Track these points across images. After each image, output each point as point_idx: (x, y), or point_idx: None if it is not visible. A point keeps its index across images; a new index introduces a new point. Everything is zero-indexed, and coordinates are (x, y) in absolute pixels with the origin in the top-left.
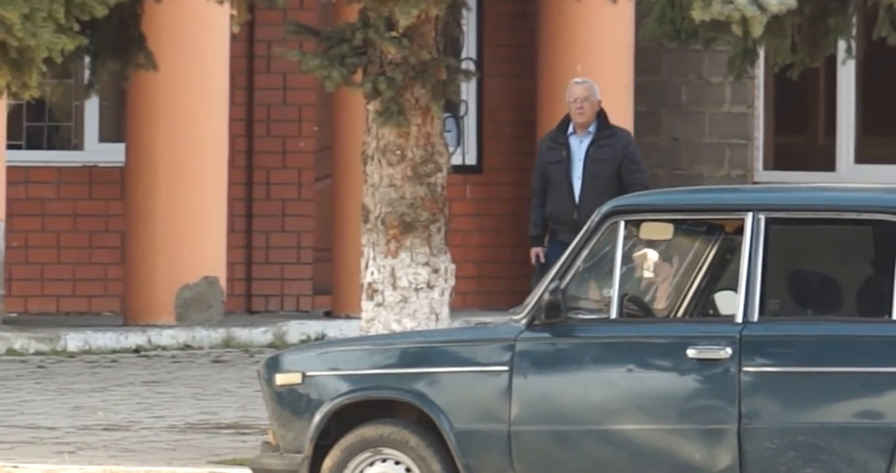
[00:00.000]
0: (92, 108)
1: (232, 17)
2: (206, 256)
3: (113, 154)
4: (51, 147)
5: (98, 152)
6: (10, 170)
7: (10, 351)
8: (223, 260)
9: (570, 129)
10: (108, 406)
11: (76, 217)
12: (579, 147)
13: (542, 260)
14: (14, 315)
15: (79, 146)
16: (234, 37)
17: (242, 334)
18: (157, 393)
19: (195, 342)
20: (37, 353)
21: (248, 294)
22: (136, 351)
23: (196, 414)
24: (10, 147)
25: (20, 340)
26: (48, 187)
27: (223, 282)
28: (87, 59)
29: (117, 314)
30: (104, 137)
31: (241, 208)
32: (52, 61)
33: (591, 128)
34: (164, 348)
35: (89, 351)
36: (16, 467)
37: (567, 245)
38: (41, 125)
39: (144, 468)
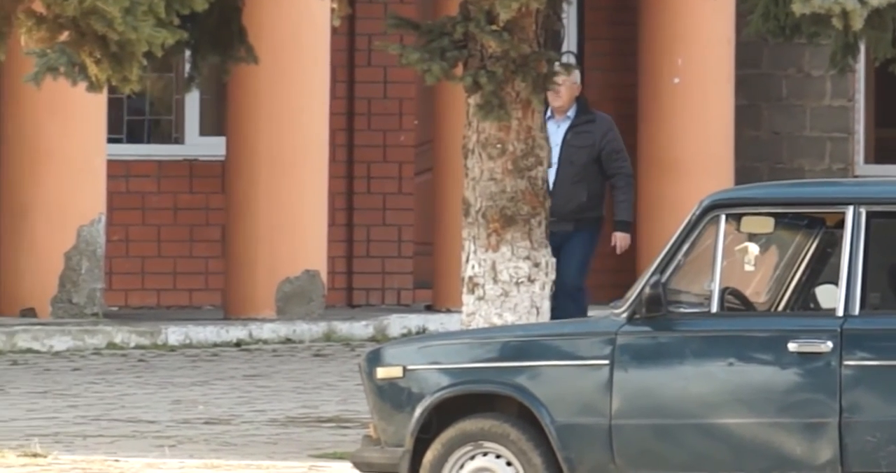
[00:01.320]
0: (192, 102)
1: (333, 10)
2: (307, 250)
3: (213, 147)
4: (152, 141)
5: (199, 146)
6: (111, 163)
7: (111, 345)
8: (324, 254)
9: (549, 113)
10: (209, 400)
11: (177, 210)
12: (556, 132)
13: None
14: (115, 308)
15: (179, 140)
16: (334, 30)
17: (343, 328)
18: (257, 386)
19: (296, 336)
20: (137, 347)
21: (349, 287)
22: (237, 344)
23: (297, 408)
24: (110, 141)
25: (121, 334)
26: (149, 181)
27: (324, 276)
28: (187, 53)
29: (218, 308)
30: (205, 131)
31: (341, 202)
32: (152, 55)
33: (570, 114)
34: (265, 342)
35: (190, 345)
36: (117, 461)
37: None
38: (142, 119)
39: (245, 461)
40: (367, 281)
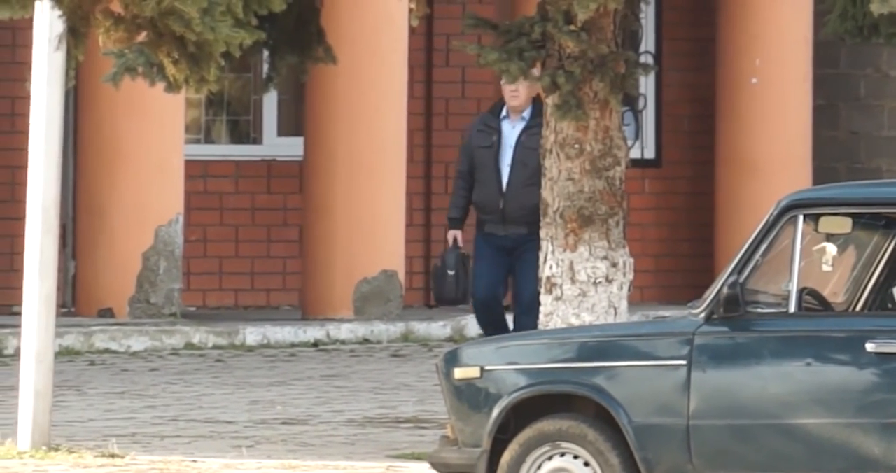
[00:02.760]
0: (270, 102)
1: (411, 10)
2: (385, 250)
3: (291, 148)
4: (229, 141)
5: (277, 146)
6: (189, 164)
7: (189, 345)
8: (402, 254)
9: (504, 113)
10: (287, 401)
11: (255, 211)
12: (511, 132)
13: (461, 243)
14: (193, 309)
15: (257, 140)
16: (413, 30)
17: (421, 328)
18: (335, 387)
19: (374, 336)
20: (215, 347)
21: (426, 288)
22: (315, 345)
23: (375, 408)
24: (188, 141)
25: (199, 334)
26: (227, 181)
27: (402, 276)
28: (265, 53)
29: (296, 308)
30: (283, 131)
31: (419, 202)
32: (230, 55)
33: (526, 114)
34: (343, 342)
35: (268, 346)
36: (194, 461)
37: (495, 236)
38: (220, 119)
39: (322, 462)
40: None
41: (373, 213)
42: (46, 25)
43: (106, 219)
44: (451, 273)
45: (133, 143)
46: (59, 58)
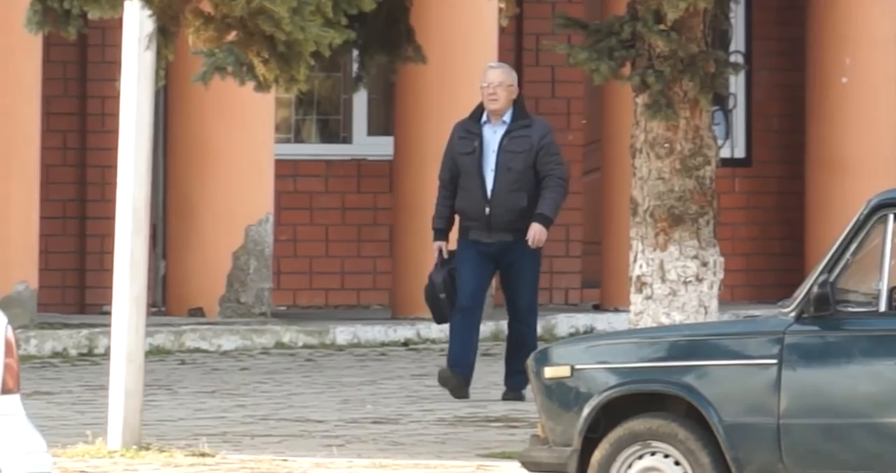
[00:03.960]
0: (360, 102)
1: (501, 10)
2: None
3: (381, 147)
4: (319, 140)
5: (366, 145)
6: (279, 163)
7: (279, 345)
8: None
9: (484, 118)
10: (377, 400)
11: (345, 210)
12: (493, 137)
13: (445, 255)
14: (283, 308)
15: (347, 139)
16: (502, 30)
17: None
18: (425, 386)
19: None
20: (305, 346)
21: None
22: (405, 344)
23: (465, 407)
24: (278, 141)
25: (289, 333)
26: (317, 181)
27: None
28: (355, 53)
29: (386, 307)
30: (373, 131)
31: None
32: (320, 55)
33: (506, 118)
34: (433, 341)
35: (358, 345)
36: (285, 460)
37: (480, 244)
38: (310, 119)
39: (413, 461)
40: None
41: None
42: (136, 25)
43: (196, 218)
44: (442, 297)
45: (223, 143)
46: (149, 57)
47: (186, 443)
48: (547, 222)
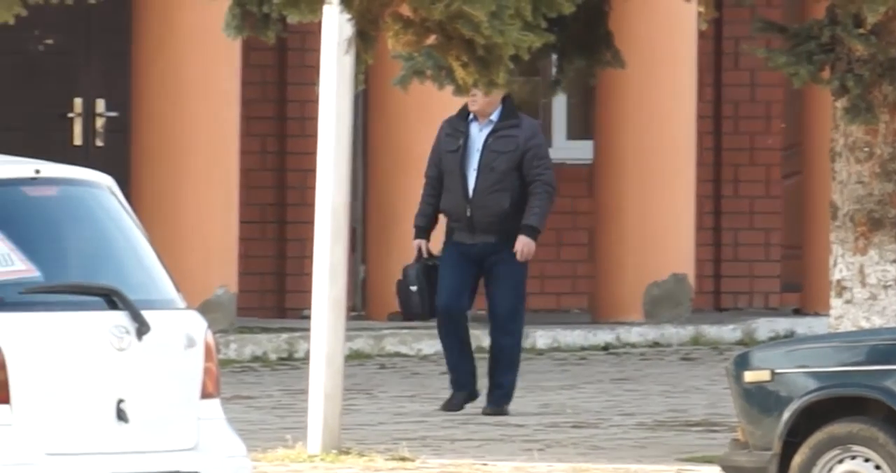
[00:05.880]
0: (559, 106)
1: (700, 14)
2: (675, 253)
3: (581, 151)
4: None
5: (566, 149)
6: None
7: (480, 349)
8: (692, 258)
9: (472, 115)
10: (577, 404)
11: None
12: (478, 135)
13: (426, 253)
14: (482, 312)
15: (547, 143)
16: (701, 34)
17: (711, 331)
18: (625, 390)
19: (664, 339)
20: None
21: (716, 291)
22: (605, 348)
23: (665, 412)
24: None
25: (487, 338)
26: None
27: (691, 280)
28: (553, 57)
29: (585, 311)
30: (572, 135)
31: (708, 205)
32: (519, 58)
33: (494, 117)
34: (633, 345)
35: (558, 349)
36: (485, 465)
37: (463, 245)
38: None
39: (613, 465)
40: (734, 285)
41: (663, 217)
42: (335, 29)
43: (396, 223)
44: (413, 289)
45: (424, 147)
46: (348, 61)
47: (386, 447)
48: (534, 234)
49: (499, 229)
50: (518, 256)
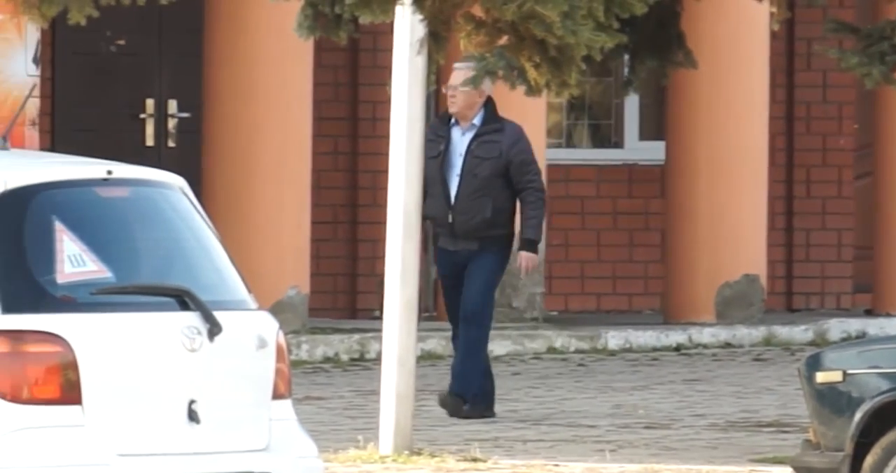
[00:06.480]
0: (632, 106)
1: (772, 14)
2: (747, 254)
3: (653, 152)
4: (591, 145)
5: (638, 150)
6: (551, 168)
7: (551, 350)
8: (764, 258)
9: (454, 120)
10: (649, 405)
11: (616, 215)
12: (460, 140)
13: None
14: (554, 313)
15: (619, 144)
16: (773, 34)
17: (783, 332)
18: (697, 390)
19: (735, 340)
20: (577, 351)
21: (788, 292)
22: (677, 349)
23: (737, 412)
24: (550, 145)
25: (561, 338)
26: (588, 185)
27: (763, 280)
28: (626, 57)
29: (657, 312)
30: (644, 135)
31: (780, 206)
32: (591, 59)
33: (476, 121)
34: (705, 346)
35: (629, 350)
36: (556, 466)
37: (448, 252)
38: (581, 123)
39: (685, 466)
40: (806, 286)
41: (735, 217)
42: (407, 29)
43: None
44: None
45: None
46: (421, 62)
47: (458, 448)
48: (534, 247)
49: (482, 236)
50: (521, 275)
